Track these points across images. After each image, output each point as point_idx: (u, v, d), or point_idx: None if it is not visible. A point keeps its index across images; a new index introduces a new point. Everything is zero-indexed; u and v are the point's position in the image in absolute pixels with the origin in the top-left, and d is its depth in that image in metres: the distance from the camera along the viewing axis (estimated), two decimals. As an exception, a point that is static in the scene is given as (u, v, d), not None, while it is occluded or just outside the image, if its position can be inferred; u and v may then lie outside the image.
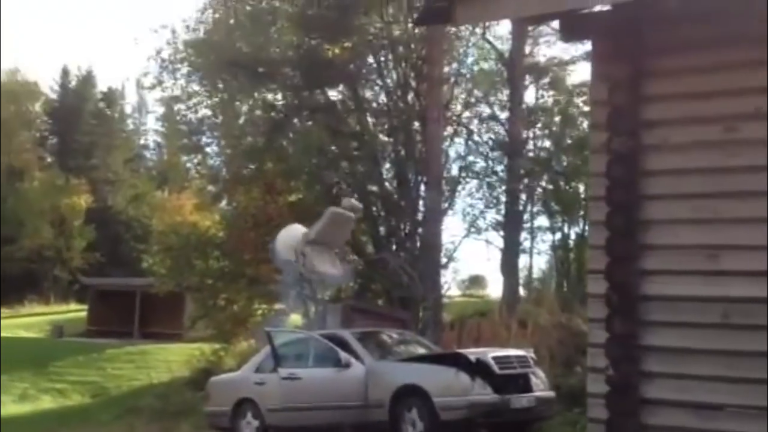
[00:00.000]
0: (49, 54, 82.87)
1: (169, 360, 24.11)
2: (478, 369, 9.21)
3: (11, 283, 45.68)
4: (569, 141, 21.29)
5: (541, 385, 9.66)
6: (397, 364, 9.86)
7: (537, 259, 25.44)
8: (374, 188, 21.40)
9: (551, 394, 9.88)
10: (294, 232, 12.10)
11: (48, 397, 20.82)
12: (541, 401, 9.56)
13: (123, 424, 15.47)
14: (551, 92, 22.86)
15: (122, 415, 16.78)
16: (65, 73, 55.98)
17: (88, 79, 56.38)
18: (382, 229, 21.93)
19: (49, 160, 52.41)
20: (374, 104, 21.85)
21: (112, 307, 31.19)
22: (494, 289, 31.51)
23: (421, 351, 10.63)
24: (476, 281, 35.83)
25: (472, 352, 9.68)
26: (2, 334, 29.96)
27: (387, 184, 21.52)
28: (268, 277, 21.69)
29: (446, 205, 20.92)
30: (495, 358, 9.42)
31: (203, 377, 20.53)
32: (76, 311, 36.62)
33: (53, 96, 55.82)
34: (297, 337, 10.64)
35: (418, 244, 20.40)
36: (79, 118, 54.23)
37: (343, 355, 9.86)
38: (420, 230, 20.31)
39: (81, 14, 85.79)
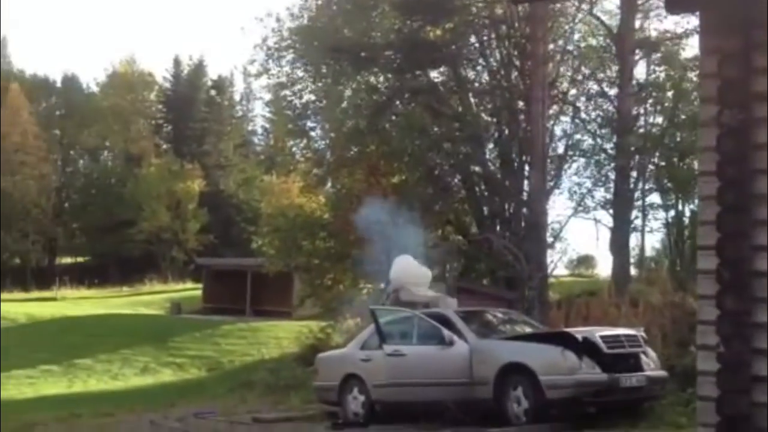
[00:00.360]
0: (161, 44, 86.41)
1: (279, 337, 24.90)
2: (586, 348, 9.15)
3: (132, 264, 48.23)
4: (683, 117, 20.58)
5: (651, 365, 9.50)
6: (501, 342, 9.92)
7: (648, 238, 24.65)
8: (477, 169, 21.34)
9: (663, 373, 9.70)
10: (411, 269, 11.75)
11: (168, 371, 21.89)
12: (651, 380, 9.41)
13: (236, 396, 16.11)
14: (663, 67, 22.09)
15: (235, 388, 17.45)
16: (177, 62, 58.23)
17: (199, 68, 58.44)
18: (485, 209, 21.89)
19: (164, 146, 54.83)
20: (476, 84, 21.75)
21: (225, 286, 32.44)
22: (603, 268, 30.83)
23: (527, 330, 10.63)
24: (585, 261, 35.14)
25: (579, 331, 9.62)
26: (125, 311, 31.74)
27: (490, 164, 21.42)
28: (373, 257, 22.14)
29: (551, 184, 20.63)
30: (603, 337, 9.34)
31: (311, 353, 21.10)
32: (192, 290, 38.23)
33: (166, 85, 58.18)
34: (401, 315, 10.81)
35: (523, 224, 20.26)
36: (192, 106, 56.36)
37: (447, 333, 9.98)
38: (525, 210, 20.15)
39: (191, 5, 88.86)
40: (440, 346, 9.96)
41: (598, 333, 9.51)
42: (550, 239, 20.67)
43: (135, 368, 22.07)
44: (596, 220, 22.04)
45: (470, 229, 22.55)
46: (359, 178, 21.70)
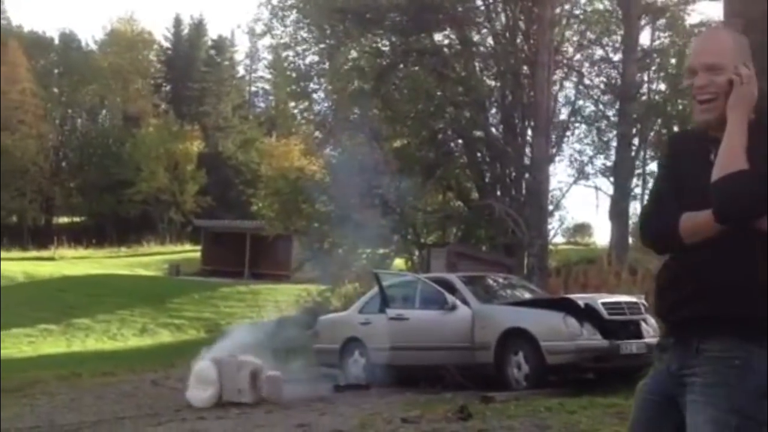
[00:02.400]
0: (161, 3, 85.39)
1: (277, 300, 24.98)
2: (587, 314, 9.15)
3: (129, 225, 48.24)
4: (685, 84, 20.34)
5: (651, 332, 9.50)
6: (503, 308, 9.91)
7: (648, 206, 24.48)
8: (480, 134, 21.20)
9: (662, 341, 9.70)
10: None
11: (166, 332, 21.99)
12: (652, 348, 9.39)
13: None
14: (667, 33, 21.86)
15: (233, 350, 17.51)
16: (177, 21, 57.68)
17: (199, 28, 57.88)
18: (487, 176, 21.80)
19: (163, 107, 54.45)
20: (482, 48, 21.51)
21: (224, 249, 32.51)
22: (600, 237, 30.86)
23: (528, 296, 10.62)
24: (581, 229, 35.21)
25: (580, 297, 9.62)
26: (123, 272, 31.80)
27: (493, 129, 21.27)
28: (373, 221, 22.11)
29: (554, 150, 20.54)
30: (604, 304, 9.34)
31: (310, 317, 21.23)
32: (190, 251, 38.29)
33: (166, 44, 57.61)
34: (404, 279, 10.81)
35: (524, 190, 20.19)
36: (192, 66, 55.91)
37: (449, 297, 9.98)
38: (526, 176, 20.06)
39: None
40: (442, 311, 9.96)
41: (600, 300, 9.51)
42: (550, 207, 20.65)
43: (133, 329, 22.16)
44: (596, 188, 22.03)
45: (471, 195, 22.49)
46: (361, 141, 21.58)
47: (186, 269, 32.32)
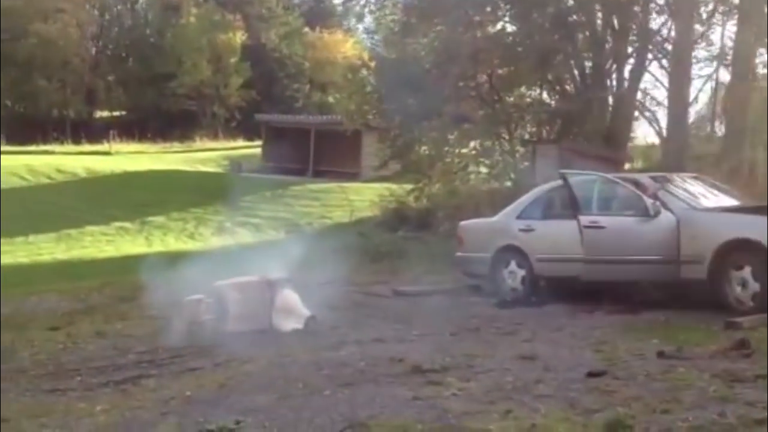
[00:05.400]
0: None
1: (351, 199, 23.76)
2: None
3: (172, 119, 46.79)
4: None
5: None
6: (719, 215, 8.50)
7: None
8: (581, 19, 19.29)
9: None
10: None
11: (245, 231, 20.87)
12: None
13: (336, 263, 14.99)
14: None
15: (328, 254, 16.36)
16: None
17: None
18: (587, 66, 20.02)
19: (202, -6, 52.01)
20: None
21: (287, 145, 30.92)
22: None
23: (733, 201, 9.16)
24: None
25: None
26: (183, 168, 30.64)
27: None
28: (469, 114, 20.50)
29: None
30: None
31: (394, 218, 20.03)
32: (244, 147, 37.00)
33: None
34: (588, 178, 9.36)
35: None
36: (231, -49, 52.99)
37: (650, 202, 8.57)
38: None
39: None
40: (642, 218, 8.57)
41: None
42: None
43: (210, 227, 21.13)
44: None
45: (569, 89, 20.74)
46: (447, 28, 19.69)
47: (246, 166, 30.99)
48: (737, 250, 7.99)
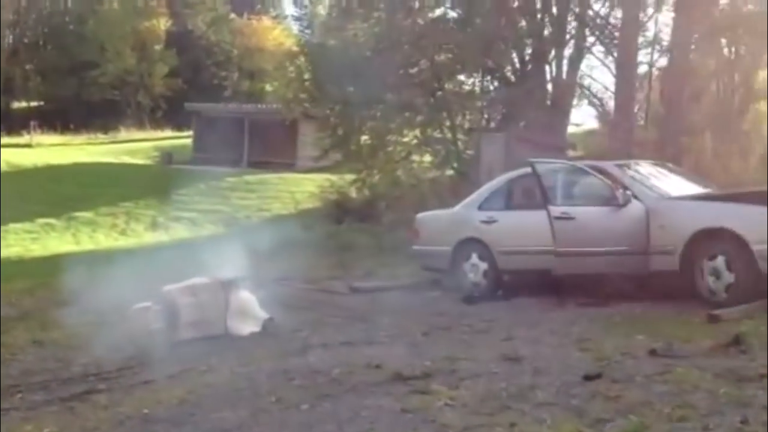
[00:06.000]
0: None
1: (291, 191, 23.12)
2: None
3: (94, 110, 44.95)
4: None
5: None
6: (690, 203, 8.30)
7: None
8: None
9: None
10: None
11: (180, 226, 20.04)
12: None
13: (286, 258, 14.43)
14: None
15: (275, 248, 15.75)
16: None
17: None
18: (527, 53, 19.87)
19: (125, -20, 50.07)
20: None
21: (219, 135, 29.89)
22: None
23: (699, 188, 9.00)
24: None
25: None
26: (110, 160, 29.35)
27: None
28: (411, 102, 20.09)
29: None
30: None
31: (336, 210, 19.54)
32: (174, 138, 35.77)
33: None
34: (554, 167, 9.06)
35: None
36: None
37: (620, 192, 8.33)
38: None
39: None
40: (611, 208, 8.32)
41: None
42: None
43: (143, 223, 20.17)
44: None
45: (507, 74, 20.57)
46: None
47: (177, 157, 29.87)
48: (710, 240, 7.80)
